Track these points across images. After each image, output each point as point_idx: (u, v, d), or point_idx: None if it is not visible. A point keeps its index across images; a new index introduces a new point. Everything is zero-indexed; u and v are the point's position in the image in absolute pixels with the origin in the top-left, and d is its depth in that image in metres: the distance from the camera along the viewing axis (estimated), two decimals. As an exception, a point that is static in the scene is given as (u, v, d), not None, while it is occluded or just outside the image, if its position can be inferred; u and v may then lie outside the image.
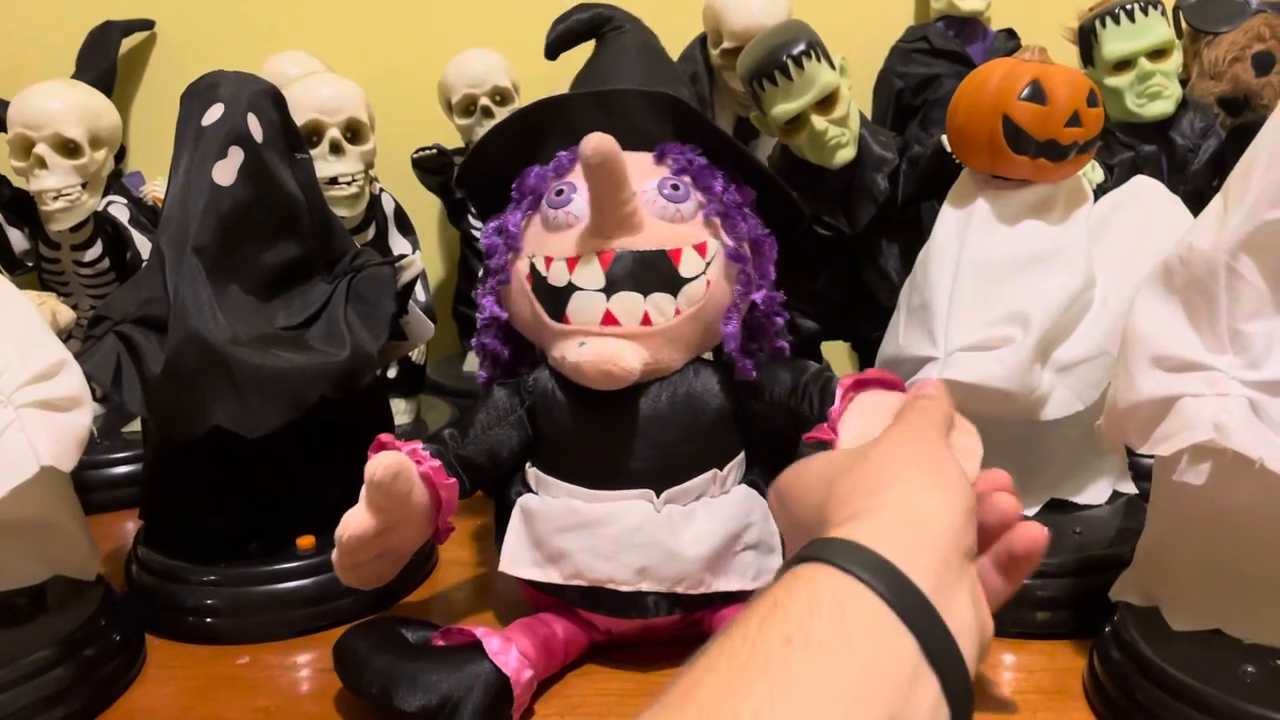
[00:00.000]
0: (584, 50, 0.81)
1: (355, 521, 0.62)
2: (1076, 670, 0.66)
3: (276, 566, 0.74)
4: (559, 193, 0.67)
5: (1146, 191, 0.79)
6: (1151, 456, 0.60)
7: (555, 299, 0.66)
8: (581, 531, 0.65)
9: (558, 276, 0.65)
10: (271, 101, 0.75)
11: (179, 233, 0.70)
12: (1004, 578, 0.47)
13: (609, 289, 0.64)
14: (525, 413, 0.69)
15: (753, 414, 0.69)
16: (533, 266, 0.67)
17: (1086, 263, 0.74)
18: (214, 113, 0.72)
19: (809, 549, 0.38)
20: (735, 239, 0.67)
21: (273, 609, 0.73)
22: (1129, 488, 0.80)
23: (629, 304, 0.64)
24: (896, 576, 0.36)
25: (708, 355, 0.71)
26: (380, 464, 0.60)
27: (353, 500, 0.75)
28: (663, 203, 0.66)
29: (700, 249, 0.66)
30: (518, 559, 0.67)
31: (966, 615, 0.38)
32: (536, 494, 0.68)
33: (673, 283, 0.65)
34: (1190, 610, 0.62)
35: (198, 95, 0.73)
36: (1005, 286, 0.73)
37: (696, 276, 0.66)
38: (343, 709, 0.64)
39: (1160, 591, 0.63)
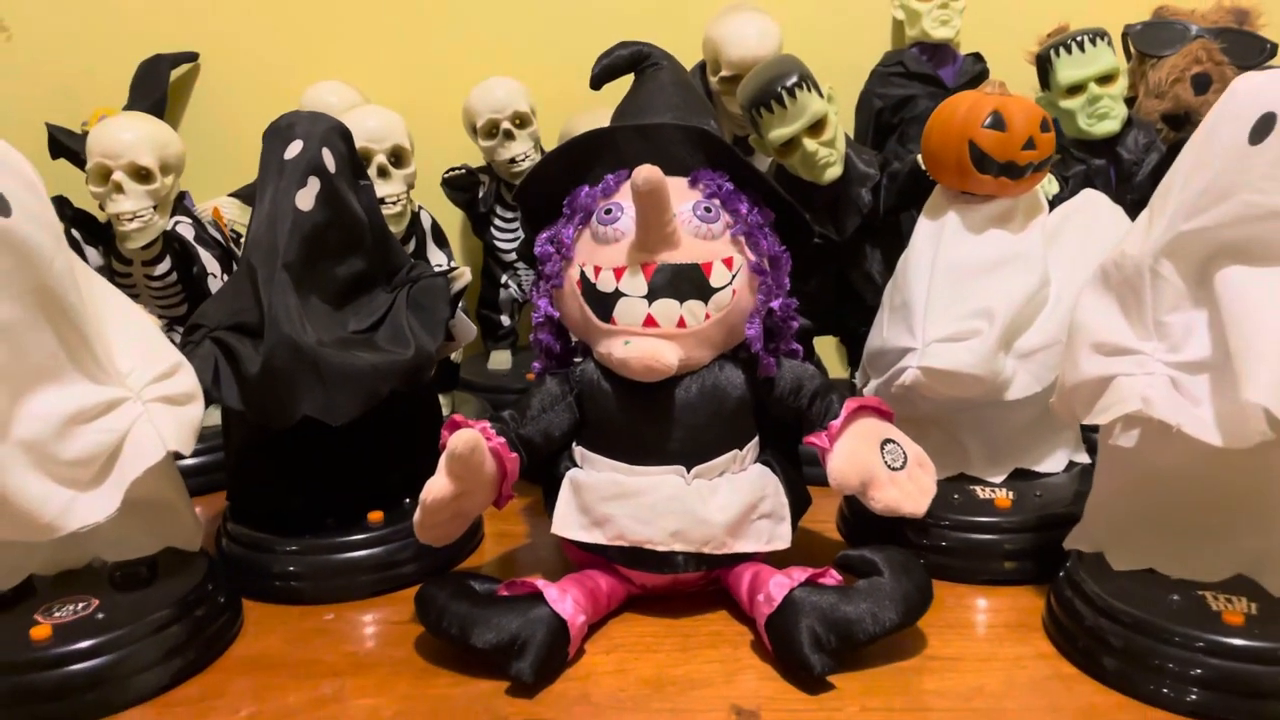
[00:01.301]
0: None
1: (437, 487, 0.74)
2: (1037, 609, 0.78)
3: (351, 537, 0.86)
4: (608, 211, 0.78)
5: (1093, 203, 0.91)
6: (1096, 427, 0.72)
7: (603, 303, 0.77)
8: (623, 500, 0.76)
9: (606, 284, 0.77)
10: (340, 136, 0.86)
11: (269, 252, 0.80)
12: None
13: (650, 296, 0.76)
14: (574, 399, 0.80)
15: (766, 405, 0.81)
16: (583, 274, 0.78)
17: (1042, 265, 0.86)
18: (294, 148, 0.83)
19: None
20: (757, 255, 0.79)
21: (349, 573, 0.85)
22: (1083, 458, 0.92)
23: (667, 309, 0.76)
24: None
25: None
26: (461, 439, 0.72)
27: (412, 481, 0.87)
28: (697, 223, 0.77)
29: (728, 263, 0.77)
30: (568, 523, 0.78)
31: None
32: (582, 468, 0.80)
33: (704, 291, 0.76)
34: (1128, 553, 0.74)
35: (279, 133, 0.84)
36: (973, 286, 0.85)
37: (724, 286, 0.77)
38: (421, 652, 0.76)
39: (1104, 539, 0.75)
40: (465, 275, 0.91)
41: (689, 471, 0.77)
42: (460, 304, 0.94)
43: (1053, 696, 0.68)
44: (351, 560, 0.85)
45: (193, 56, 1.36)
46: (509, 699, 0.70)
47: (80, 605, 0.74)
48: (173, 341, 0.80)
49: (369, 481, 0.89)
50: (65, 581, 0.77)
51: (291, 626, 0.80)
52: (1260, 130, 0.64)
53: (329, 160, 0.84)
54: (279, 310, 0.79)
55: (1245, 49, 1.15)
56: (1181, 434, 0.65)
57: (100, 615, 0.73)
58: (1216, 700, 0.64)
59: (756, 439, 0.82)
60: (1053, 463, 0.91)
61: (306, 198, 0.82)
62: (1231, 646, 0.65)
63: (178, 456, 0.75)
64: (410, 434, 0.90)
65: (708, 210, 0.78)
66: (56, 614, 0.73)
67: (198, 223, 1.12)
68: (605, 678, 0.72)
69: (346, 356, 0.80)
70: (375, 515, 0.87)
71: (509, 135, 1.20)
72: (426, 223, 1.14)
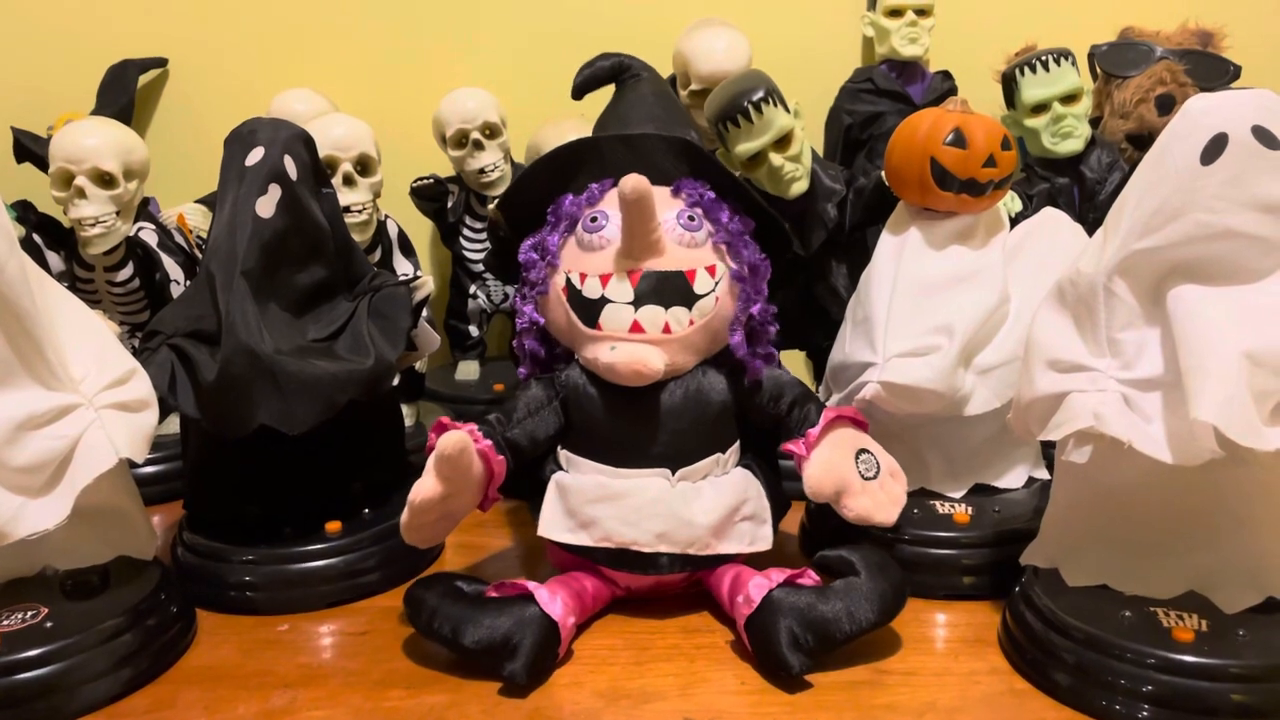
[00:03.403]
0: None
1: (425, 488, 0.74)
2: (993, 624, 0.78)
3: (308, 547, 0.85)
4: (593, 219, 0.79)
5: (1053, 221, 0.92)
6: (1052, 443, 0.73)
7: (589, 309, 0.78)
8: (609, 502, 0.77)
9: (592, 290, 0.78)
10: (303, 143, 0.86)
11: (228, 258, 0.80)
12: None
13: (636, 302, 0.77)
14: (560, 403, 0.81)
15: (746, 409, 0.82)
16: (568, 280, 0.79)
17: (1002, 282, 0.87)
18: (255, 155, 0.82)
19: None
20: (739, 263, 0.80)
21: (306, 584, 0.84)
22: (1042, 474, 0.92)
23: (653, 315, 0.77)
24: None
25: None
26: (450, 440, 0.72)
27: (372, 491, 0.87)
28: (680, 231, 0.78)
29: (710, 270, 0.79)
30: (554, 525, 0.79)
31: None
32: (568, 472, 0.80)
33: (688, 298, 0.78)
34: (1083, 570, 0.74)
35: (240, 139, 0.83)
36: (934, 302, 0.85)
37: (707, 293, 0.78)
38: (375, 664, 0.75)
39: (1060, 555, 0.75)
40: (428, 284, 0.91)
41: (673, 474, 0.79)
42: (425, 313, 0.94)
43: (1005, 712, 0.68)
44: (308, 570, 0.84)
45: (162, 62, 1.36)
46: (461, 712, 0.69)
47: (29, 614, 0.73)
48: (134, 349, 0.80)
49: (328, 491, 0.88)
50: (15, 590, 0.76)
51: (245, 637, 0.80)
52: (1212, 151, 0.65)
53: (290, 167, 0.83)
54: (236, 317, 0.78)
55: (1209, 70, 1.17)
56: (1133, 451, 0.65)
57: (49, 624, 0.72)
58: (1167, 717, 0.65)
59: (738, 443, 0.83)
60: (1012, 478, 0.91)
61: (267, 205, 0.82)
62: (1182, 663, 0.65)
63: (133, 465, 0.75)
64: (370, 444, 0.90)
65: (691, 219, 0.79)
66: (4, 622, 0.72)
67: (161, 229, 1.11)
68: (559, 690, 0.71)
69: (304, 365, 0.79)
70: (333, 525, 0.86)
71: (478, 145, 1.20)
72: (393, 231, 1.13)
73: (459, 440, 0.73)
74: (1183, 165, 0.66)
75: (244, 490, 0.86)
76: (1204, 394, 0.62)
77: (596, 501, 0.78)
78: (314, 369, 0.80)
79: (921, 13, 1.26)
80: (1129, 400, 0.68)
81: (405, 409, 1.13)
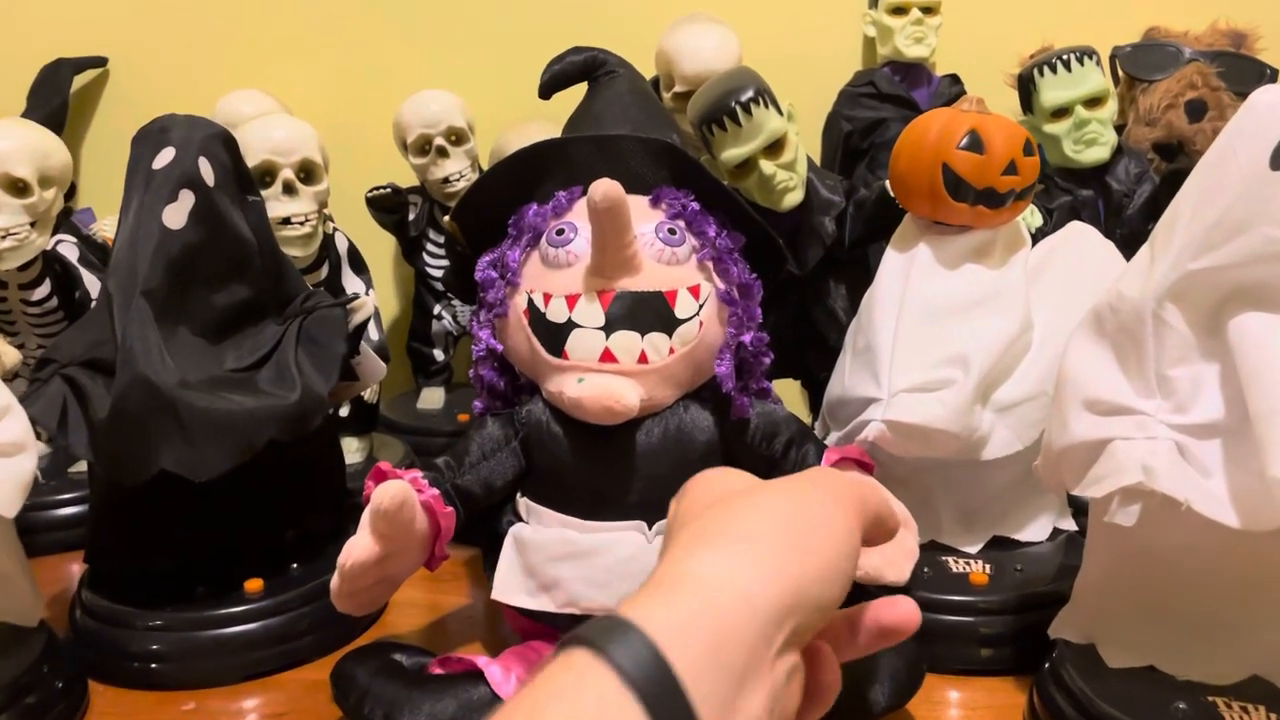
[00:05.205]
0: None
1: (359, 548, 0.63)
2: (1018, 706, 0.67)
3: (223, 611, 0.74)
4: (559, 232, 0.69)
5: (1080, 236, 0.82)
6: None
7: (554, 335, 0.68)
8: (575, 561, 0.66)
9: (557, 313, 0.67)
10: (223, 145, 0.75)
11: (128, 275, 0.69)
12: (860, 639, 0.44)
13: (608, 327, 0.67)
14: (520, 444, 0.71)
15: (735, 451, 0.72)
16: (531, 302, 0.69)
17: (1024, 306, 0.77)
18: (165, 156, 0.72)
19: (589, 631, 0.35)
20: (727, 282, 0.70)
21: (219, 654, 0.73)
22: (1069, 524, 0.81)
23: (627, 342, 0.67)
24: (670, 694, 0.32)
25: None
26: (387, 493, 0.61)
27: (302, 544, 0.76)
28: (660, 246, 0.68)
29: (694, 291, 0.69)
30: (511, 587, 0.68)
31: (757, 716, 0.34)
32: (528, 524, 0.70)
33: (668, 323, 0.67)
34: (1125, 648, 0.63)
35: (149, 138, 0.73)
36: (946, 329, 0.75)
37: (690, 317, 0.68)
38: (289, 755, 0.64)
39: (1097, 629, 0.65)
40: (367, 305, 0.80)
41: (650, 528, 0.68)
42: (378, 336, 0.84)
43: (1036, 822, 0.57)
44: (223, 638, 0.73)
45: (100, 61, 1.26)
46: (385, 818, 0.58)
47: (-121, 694, 0.62)
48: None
49: (249, 544, 0.77)
50: None
51: (142, 718, 0.68)
52: (1284, 152, 0.55)
53: (207, 171, 0.73)
54: (134, 344, 0.67)
55: (1243, 74, 1.08)
56: (1190, 511, 0.55)
57: (-98, 706, 0.61)
58: (1230, 832, 0.54)
59: None
60: (1035, 530, 0.80)
61: (177, 214, 0.71)
62: (1249, 768, 0.54)
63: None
64: (302, 488, 0.79)
65: (671, 232, 0.70)
66: None
67: (85, 242, 1.01)
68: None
69: (214, 400, 0.69)
70: (253, 584, 0.75)
71: (442, 152, 1.10)
72: (342, 246, 1.03)
73: (398, 492, 0.62)
74: (1248, 170, 0.56)
75: (151, 542, 0.75)
76: (1279, 445, 0.51)
77: (561, 560, 0.67)
78: (225, 405, 0.69)
79: (928, 11, 1.16)
80: (1183, 449, 0.57)
81: (356, 443, 1.03)
